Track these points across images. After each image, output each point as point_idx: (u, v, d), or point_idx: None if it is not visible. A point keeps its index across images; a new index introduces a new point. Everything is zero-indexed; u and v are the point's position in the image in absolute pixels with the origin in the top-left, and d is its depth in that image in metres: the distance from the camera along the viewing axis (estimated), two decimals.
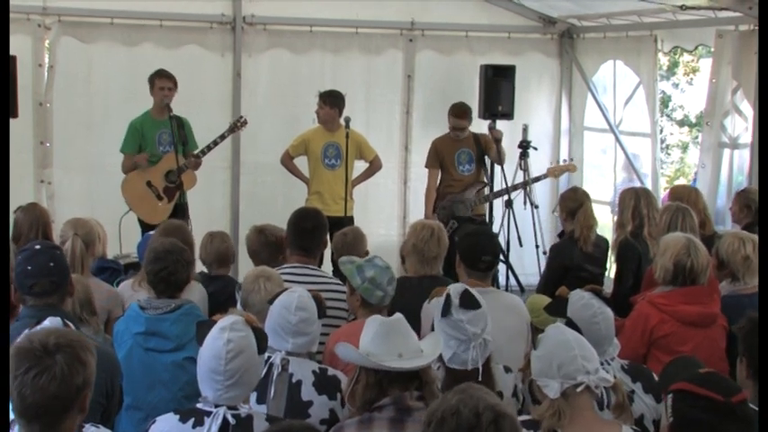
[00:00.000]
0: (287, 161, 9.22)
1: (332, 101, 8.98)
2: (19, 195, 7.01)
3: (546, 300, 5.23)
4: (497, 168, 9.37)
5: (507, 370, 4.36)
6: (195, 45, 9.70)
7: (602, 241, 7.09)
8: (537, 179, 9.44)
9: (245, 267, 7.52)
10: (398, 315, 3.84)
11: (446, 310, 4.00)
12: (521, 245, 9.32)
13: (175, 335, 4.73)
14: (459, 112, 9.25)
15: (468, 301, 4.02)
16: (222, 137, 8.85)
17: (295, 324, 4.20)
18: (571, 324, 3.87)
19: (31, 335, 3.10)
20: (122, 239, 8.27)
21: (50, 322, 3.64)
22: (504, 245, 9.13)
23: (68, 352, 3.03)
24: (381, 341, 3.68)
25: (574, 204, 6.95)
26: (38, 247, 4.54)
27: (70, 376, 3.00)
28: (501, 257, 7.98)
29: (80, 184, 9.56)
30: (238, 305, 4.81)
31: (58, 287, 4.44)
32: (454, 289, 4.08)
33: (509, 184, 9.25)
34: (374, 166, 9.37)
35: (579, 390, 3.51)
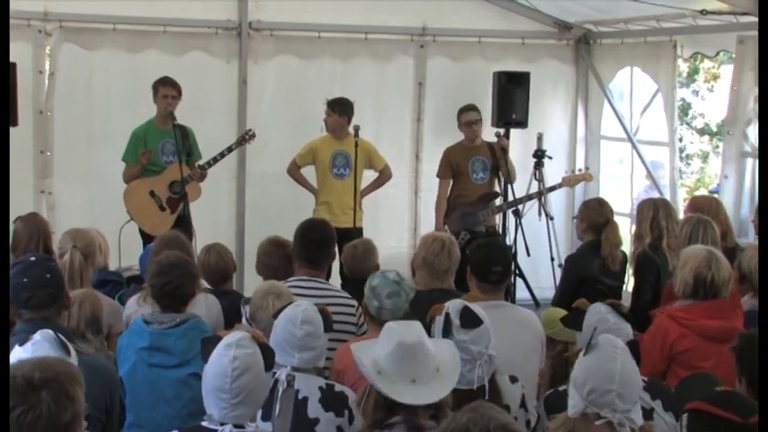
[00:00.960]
0: (294, 171, 9.10)
1: (341, 108, 8.88)
2: (18, 206, 6.86)
3: (561, 312, 5.15)
4: None
5: (513, 380, 4.25)
6: (200, 51, 9.58)
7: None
8: (552, 189, 9.30)
9: (250, 279, 7.40)
10: (418, 338, 3.57)
11: (447, 332, 3.89)
12: (528, 254, 9.21)
13: (180, 350, 4.67)
14: (467, 108, 9.19)
15: (469, 320, 3.91)
16: (229, 149, 8.78)
17: (300, 338, 4.14)
18: (633, 345, 3.65)
19: (15, 368, 2.94)
20: (123, 251, 8.16)
21: (41, 335, 3.54)
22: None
23: (55, 387, 2.85)
24: (396, 362, 3.50)
25: (599, 219, 6.84)
26: (33, 258, 4.56)
27: (57, 414, 2.83)
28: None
29: (81, 194, 9.43)
30: (243, 320, 4.77)
31: (56, 299, 4.39)
32: (453, 308, 3.96)
33: (516, 196, 9.15)
34: (384, 176, 9.25)
35: (599, 423, 3.34)
